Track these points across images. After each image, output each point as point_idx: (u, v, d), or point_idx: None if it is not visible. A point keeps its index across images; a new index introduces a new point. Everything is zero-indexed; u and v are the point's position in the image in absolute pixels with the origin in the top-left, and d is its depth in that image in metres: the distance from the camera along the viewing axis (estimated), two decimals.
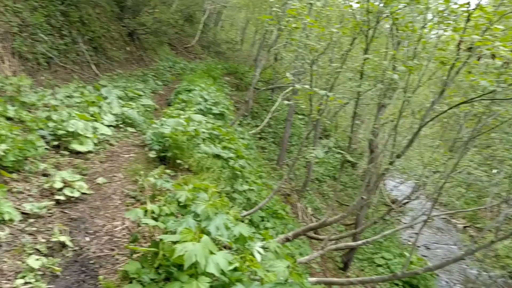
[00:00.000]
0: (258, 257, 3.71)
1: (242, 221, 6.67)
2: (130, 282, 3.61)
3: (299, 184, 15.43)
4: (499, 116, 5.82)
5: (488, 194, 9.07)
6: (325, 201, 16.55)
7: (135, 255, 4.08)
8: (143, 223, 4.04)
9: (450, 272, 15.33)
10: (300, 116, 22.55)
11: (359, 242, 7.45)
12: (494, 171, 8.59)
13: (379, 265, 13.03)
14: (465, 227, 21.75)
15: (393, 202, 14.94)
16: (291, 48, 7.53)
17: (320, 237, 9.25)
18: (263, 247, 3.99)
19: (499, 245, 16.16)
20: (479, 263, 13.98)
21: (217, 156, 7.69)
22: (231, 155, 7.68)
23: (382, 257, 13.29)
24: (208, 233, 3.44)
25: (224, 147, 8.02)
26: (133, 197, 5.70)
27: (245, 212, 6.39)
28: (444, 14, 4.74)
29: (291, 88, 11.35)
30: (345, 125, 23.12)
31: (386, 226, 13.21)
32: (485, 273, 14.16)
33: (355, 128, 19.61)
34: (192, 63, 21.44)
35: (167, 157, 7.03)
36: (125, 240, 4.65)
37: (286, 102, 8.17)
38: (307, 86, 4.91)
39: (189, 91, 12.30)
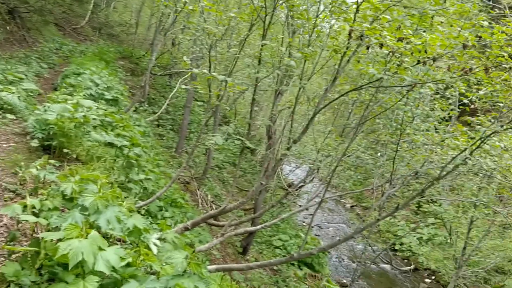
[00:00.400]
0: (155, 250, 3.52)
1: (139, 212, 6.38)
2: (8, 286, 3.20)
3: (199, 171, 15.30)
4: (383, 103, 6.30)
5: (373, 176, 9.85)
6: (225, 188, 16.66)
7: (13, 256, 3.62)
8: (23, 220, 3.59)
9: (339, 249, 16.53)
10: (199, 103, 22.36)
11: (258, 226, 7.60)
12: (379, 154, 9.36)
13: (277, 247, 13.52)
14: (352, 206, 23.67)
15: (290, 186, 15.58)
16: (189, 32, 7.30)
17: (220, 223, 9.25)
18: (160, 239, 3.81)
19: (381, 221, 17.82)
20: (365, 239, 15.26)
21: (110, 144, 7.21)
22: (125, 143, 7.26)
23: (280, 239, 13.81)
24: (98, 228, 3.16)
25: (118, 135, 7.55)
26: (13, 191, 5.08)
27: (141, 203, 6.09)
28: (336, 4, 4.92)
29: (189, 73, 11.06)
30: (245, 112, 23.46)
31: (283, 209, 13.72)
32: (369, 247, 15.53)
33: (254, 115, 19.94)
34: (82, 45, 19.96)
35: (52, 146, 6.39)
36: (2, 239, 4.12)
37: (184, 87, 7.93)
38: (205, 71, 4.78)
39: (78, 74, 11.39)
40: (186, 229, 5.67)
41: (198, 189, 13.13)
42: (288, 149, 5.54)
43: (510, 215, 7.69)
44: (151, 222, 6.12)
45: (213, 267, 5.50)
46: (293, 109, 5.70)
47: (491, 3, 12.18)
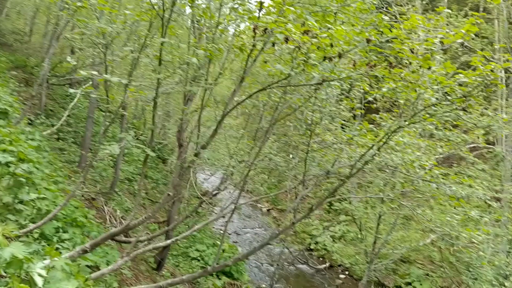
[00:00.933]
0: (39, 282, 2.97)
1: (32, 236, 5.59)
2: None
3: (106, 186, 14.27)
4: (293, 103, 6.24)
5: (287, 178, 9.88)
6: (136, 201, 15.76)
7: None
8: None
9: (257, 254, 16.47)
10: (104, 113, 21.10)
11: (168, 241, 7.12)
12: (291, 156, 9.39)
13: (194, 258, 13.05)
14: (268, 210, 23.95)
15: (204, 194, 15.17)
16: (81, 32, 6.66)
17: (130, 239, 8.56)
18: (48, 267, 3.25)
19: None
20: (281, 242, 15.36)
21: None
22: (11, 159, 6.36)
23: (197, 250, 13.35)
24: None
25: (4, 150, 6.60)
26: None
27: (32, 226, 5.33)
28: (239, 2, 4.72)
29: (87, 79, 10.24)
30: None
31: (198, 218, 13.30)
32: (286, 249, 15.68)
33: (164, 123, 19.20)
34: None
35: None
36: None
37: (82, 93, 7.22)
38: (95, 73, 4.27)
39: None
40: (85, 251, 5.05)
41: (106, 205, 12.19)
42: (196, 155, 5.20)
43: (413, 207, 8.11)
44: (44, 246, 5.38)
45: None
46: (200, 112, 5.38)
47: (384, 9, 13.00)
